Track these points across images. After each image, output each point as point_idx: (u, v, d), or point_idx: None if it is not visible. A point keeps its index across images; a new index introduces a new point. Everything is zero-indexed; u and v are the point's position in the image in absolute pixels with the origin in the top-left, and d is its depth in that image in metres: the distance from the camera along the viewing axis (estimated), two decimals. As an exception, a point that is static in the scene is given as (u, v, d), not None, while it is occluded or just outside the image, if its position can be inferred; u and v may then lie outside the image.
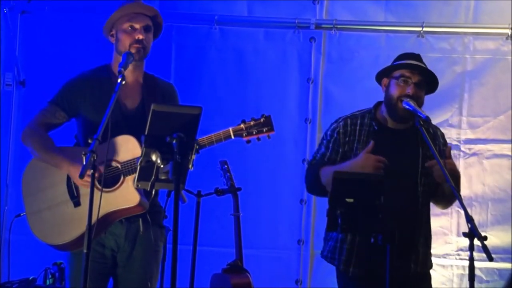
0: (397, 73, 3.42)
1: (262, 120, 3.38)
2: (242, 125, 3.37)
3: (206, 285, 4.32)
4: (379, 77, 3.52)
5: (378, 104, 3.54)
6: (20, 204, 3.50)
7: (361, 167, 3.25)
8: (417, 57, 3.49)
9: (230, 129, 3.35)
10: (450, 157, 3.33)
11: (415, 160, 3.43)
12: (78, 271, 2.92)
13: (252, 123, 3.37)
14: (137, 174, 2.93)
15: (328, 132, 3.55)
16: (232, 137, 3.35)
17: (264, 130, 3.38)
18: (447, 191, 3.35)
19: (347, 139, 3.48)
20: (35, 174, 3.42)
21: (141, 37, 3.44)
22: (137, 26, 3.46)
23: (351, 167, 3.30)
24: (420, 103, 3.38)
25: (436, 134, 3.54)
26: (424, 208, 3.45)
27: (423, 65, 3.44)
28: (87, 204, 2.95)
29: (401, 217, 3.31)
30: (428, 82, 3.45)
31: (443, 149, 3.47)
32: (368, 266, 3.35)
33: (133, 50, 3.42)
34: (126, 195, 3.26)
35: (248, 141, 3.39)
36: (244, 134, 3.36)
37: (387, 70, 3.48)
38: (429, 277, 3.54)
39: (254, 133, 3.37)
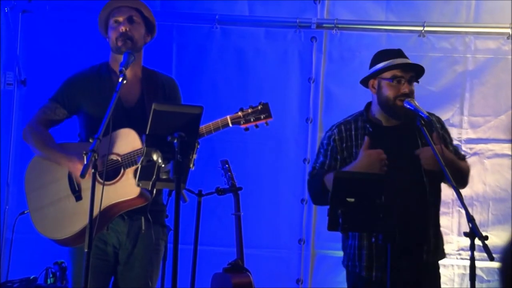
0: (388, 74, 3.43)
1: (259, 107, 3.37)
2: (239, 113, 3.36)
3: (207, 285, 4.32)
4: (365, 80, 3.51)
5: (368, 105, 3.55)
6: (21, 203, 3.50)
7: (367, 165, 3.27)
8: (400, 53, 3.50)
9: (228, 117, 3.35)
10: (438, 143, 3.23)
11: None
12: (81, 267, 2.91)
13: (250, 110, 3.37)
14: (138, 173, 2.93)
15: (324, 141, 3.56)
16: (230, 125, 3.34)
17: (262, 117, 3.36)
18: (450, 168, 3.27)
19: (344, 145, 3.49)
20: (37, 171, 3.43)
21: (123, 28, 3.46)
22: (120, 19, 3.49)
23: (356, 168, 3.30)
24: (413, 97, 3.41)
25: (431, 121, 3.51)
26: (432, 198, 3.43)
27: (410, 61, 3.46)
28: (88, 198, 2.93)
29: (411, 211, 3.32)
30: (416, 73, 3.48)
31: (441, 133, 3.46)
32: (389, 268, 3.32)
33: (119, 44, 3.45)
34: (126, 187, 3.25)
35: (246, 129, 3.38)
36: (242, 122, 3.35)
37: (377, 73, 3.46)
38: (437, 268, 3.50)
39: (252, 120, 3.35)
